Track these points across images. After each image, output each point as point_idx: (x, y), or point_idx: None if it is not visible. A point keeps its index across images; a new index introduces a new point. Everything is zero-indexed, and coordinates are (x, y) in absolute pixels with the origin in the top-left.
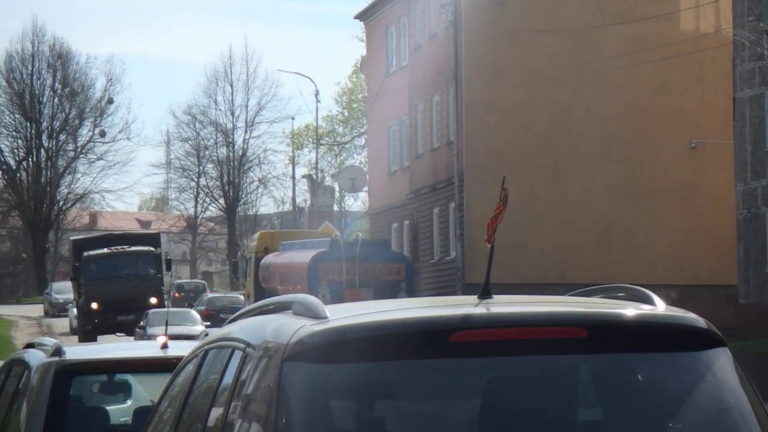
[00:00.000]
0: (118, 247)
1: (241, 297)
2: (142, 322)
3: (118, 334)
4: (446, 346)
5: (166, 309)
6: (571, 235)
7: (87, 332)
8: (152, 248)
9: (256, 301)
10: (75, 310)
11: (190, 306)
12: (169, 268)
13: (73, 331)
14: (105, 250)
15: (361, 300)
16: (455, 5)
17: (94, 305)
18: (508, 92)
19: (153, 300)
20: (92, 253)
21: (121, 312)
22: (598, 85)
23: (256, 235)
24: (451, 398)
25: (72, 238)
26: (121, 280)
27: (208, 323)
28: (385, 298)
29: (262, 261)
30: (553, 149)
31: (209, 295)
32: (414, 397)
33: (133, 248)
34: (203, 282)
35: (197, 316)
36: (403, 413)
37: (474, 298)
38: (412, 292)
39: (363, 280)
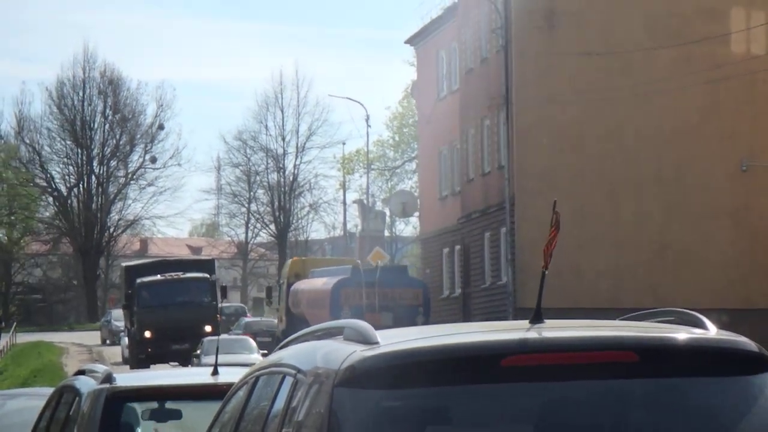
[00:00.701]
0: (172, 274)
1: (276, 321)
2: (197, 351)
3: (172, 363)
4: (498, 370)
5: (218, 337)
6: (624, 257)
7: (140, 361)
8: (207, 275)
9: (287, 325)
10: (126, 339)
11: (228, 330)
12: (224, 296)
13: (125, 361)
14: (158, 276)
15: (380, 324)
16: (505, 29)
17: (148, 333)
18: (559, 115)
19: (208, 328)
20: (146, 279)
21: (175, 340)
22: (649, 107)
23: (288, 262)
24: (504, 423)
25: (124, 264)
26: (176, 308)
27: (266, 351)
28: (404, 322)
29: (292, 287)
30: (605, 172)
31: (247, 319)
32: (466, 423)
33: (188, 275)
34: (243, 306)
35: (254, 344)
36: None
37: (525, 323)
38: (428, 317)
39: (382, 305)
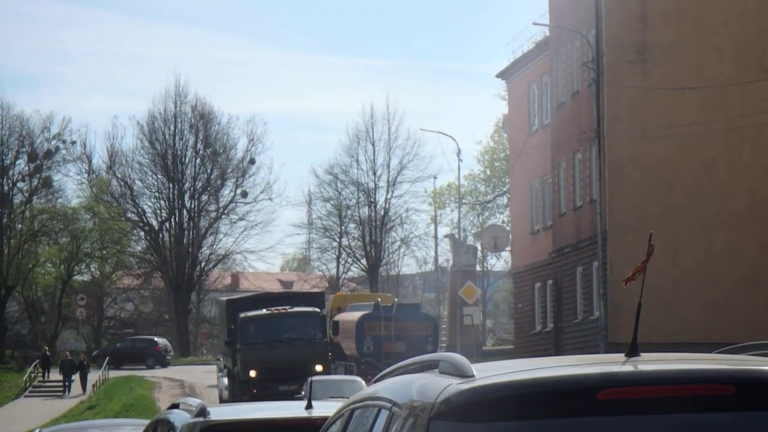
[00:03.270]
0: (279, 308)
1: None
2: (302, 392)
3: None
4: (594, 404)
5: (318, 377)
6: (717, 292)
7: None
8: (317, 309)
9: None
10: (225, 380)
11: None
12: (335, 333)
13: (223, 402)
14: (264, 311)
15: (395, 351)
16: (597, 63)
17: (253, 373)
18: (652, 149)
19: (319, 368)
20: (250, 314)
21: (283, 381)
22: (742, 142)
23: (332, 297)
24: None
25: (226, 298)
26: (284, 345)
27: None
28: (415, 350)
29: (333, 318)
30: (697, 206)
31: None
32: None
33: (296, 309)
34: None
35: (364, 385)
36: None
37: (621, 356)
38: (436, 345)
39: (398, 335)
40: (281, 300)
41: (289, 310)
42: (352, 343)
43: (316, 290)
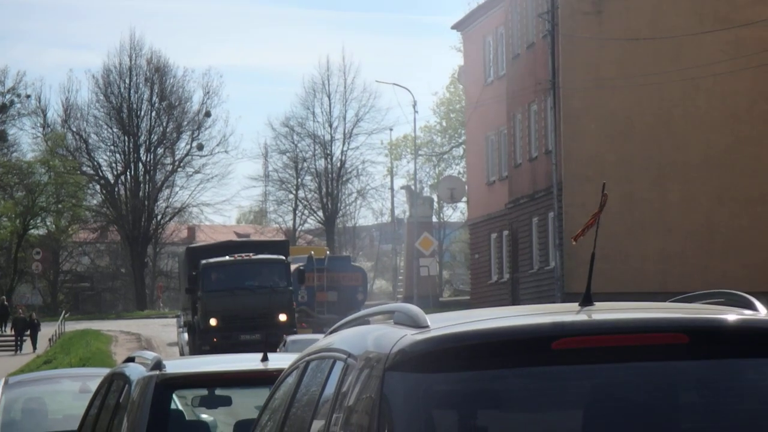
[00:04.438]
0: (242, 255)
1: None
2: (278, 350)
3: None
4: (548, 353)
5: (295, 336)
6: (672, 242)
7: (204, 354)
8: (282, 257)
9: None
10: (186, 336)
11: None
12: (301, 281)
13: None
14: (227, 258)
15: (328, 300)
16: (552, 14)
17: (213, 321)
18: (607, 100)
19: (282, 317)
20: (212, 260)
21: (245, 330)
22: (697, 92)
23: None
24: (554, 406)
25: (189, 246)
26: (246, 293)
27: None
28: (346, 299)
29: None
30: (653, 156)
31: None
32: (516, 406)
33: (260, 256)
34: None
35: None
36: (506, 422)
37: (575, 306)
38: (366, 295)
39: (329, 285)
40: (245, 248)
41: (253, 257)
42: None
43: (279, 238)
